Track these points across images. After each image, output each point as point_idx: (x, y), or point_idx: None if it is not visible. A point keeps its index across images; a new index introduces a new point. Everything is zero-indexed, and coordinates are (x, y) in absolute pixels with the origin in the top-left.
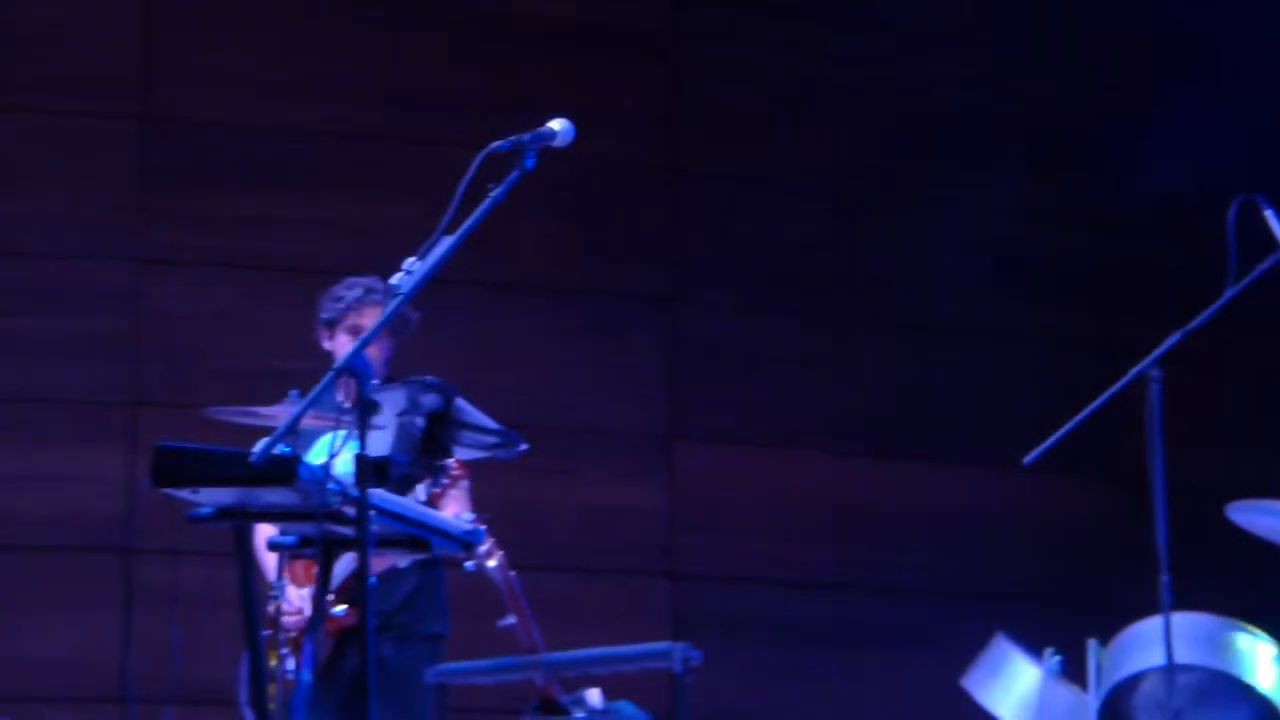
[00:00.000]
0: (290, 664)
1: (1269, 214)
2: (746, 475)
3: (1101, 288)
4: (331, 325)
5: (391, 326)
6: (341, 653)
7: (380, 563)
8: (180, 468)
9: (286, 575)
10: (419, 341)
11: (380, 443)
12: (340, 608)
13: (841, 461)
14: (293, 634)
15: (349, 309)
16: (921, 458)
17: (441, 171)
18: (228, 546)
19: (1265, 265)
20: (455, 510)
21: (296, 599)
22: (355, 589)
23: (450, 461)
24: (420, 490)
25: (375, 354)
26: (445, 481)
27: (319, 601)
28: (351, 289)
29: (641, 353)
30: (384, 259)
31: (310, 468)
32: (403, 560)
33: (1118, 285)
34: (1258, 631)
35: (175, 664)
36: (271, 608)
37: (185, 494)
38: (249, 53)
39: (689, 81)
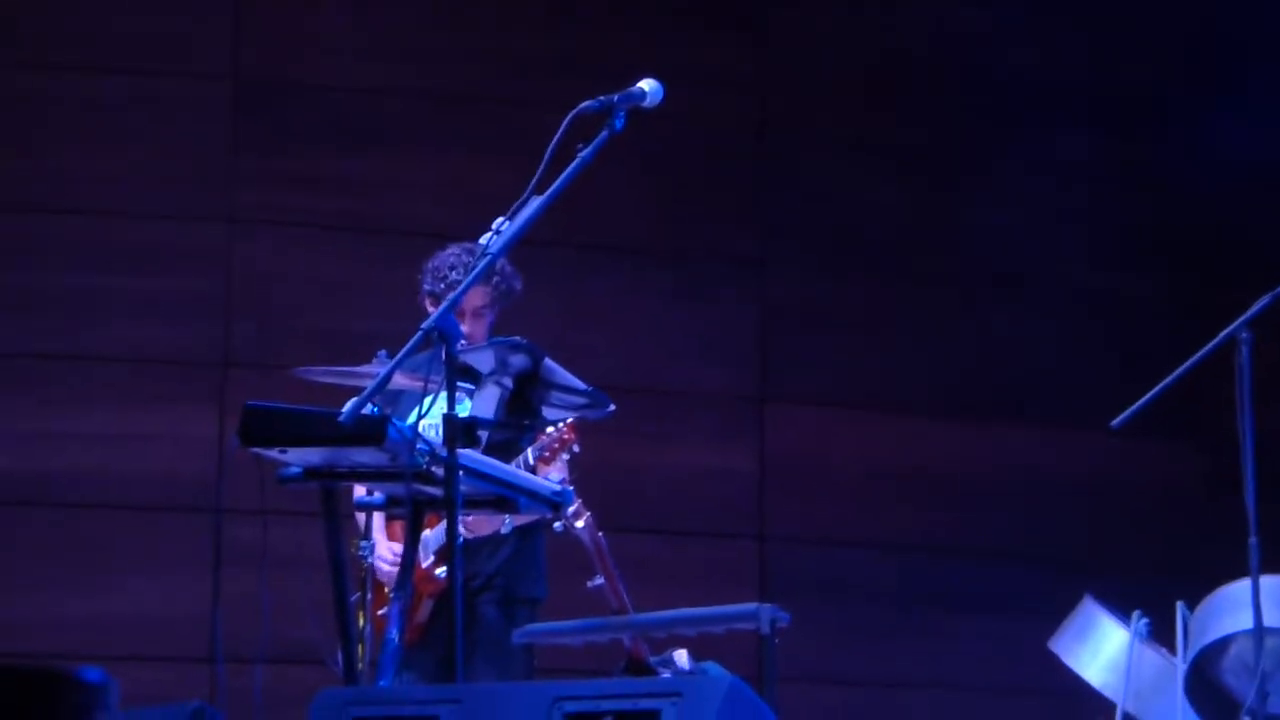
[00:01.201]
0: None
1: None
2: (835, 438)
3: (1189, 251)
4: (436, 298)
5: (496, 296)
6: (441, 613)
7: (484, 526)
8: (269, 427)
9: (382, 534)
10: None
11: (484, 405)
12: (441, 570)
13: (930, 425)
14: (387, 589)
15: (453, 286)
16: (1009, 420)
17: (532, 132)
18: (317, 506)
19: None
20: (555, 475)
21: (389, 554)
22: None
23: (561, 425)
24: (530, 453)
25: (479, 325)
26: (557, 445)
27: (407, 562)
28: (455, 269)
29: (731, 316)
30: (473, 220)
31: (399, 427)
32: (505, 526)
33: (1205, 248)
34: None
35: (264, 624)
36: (361, 568)
37: (274, 454)
38: (340, 13)
39: (779, 45)
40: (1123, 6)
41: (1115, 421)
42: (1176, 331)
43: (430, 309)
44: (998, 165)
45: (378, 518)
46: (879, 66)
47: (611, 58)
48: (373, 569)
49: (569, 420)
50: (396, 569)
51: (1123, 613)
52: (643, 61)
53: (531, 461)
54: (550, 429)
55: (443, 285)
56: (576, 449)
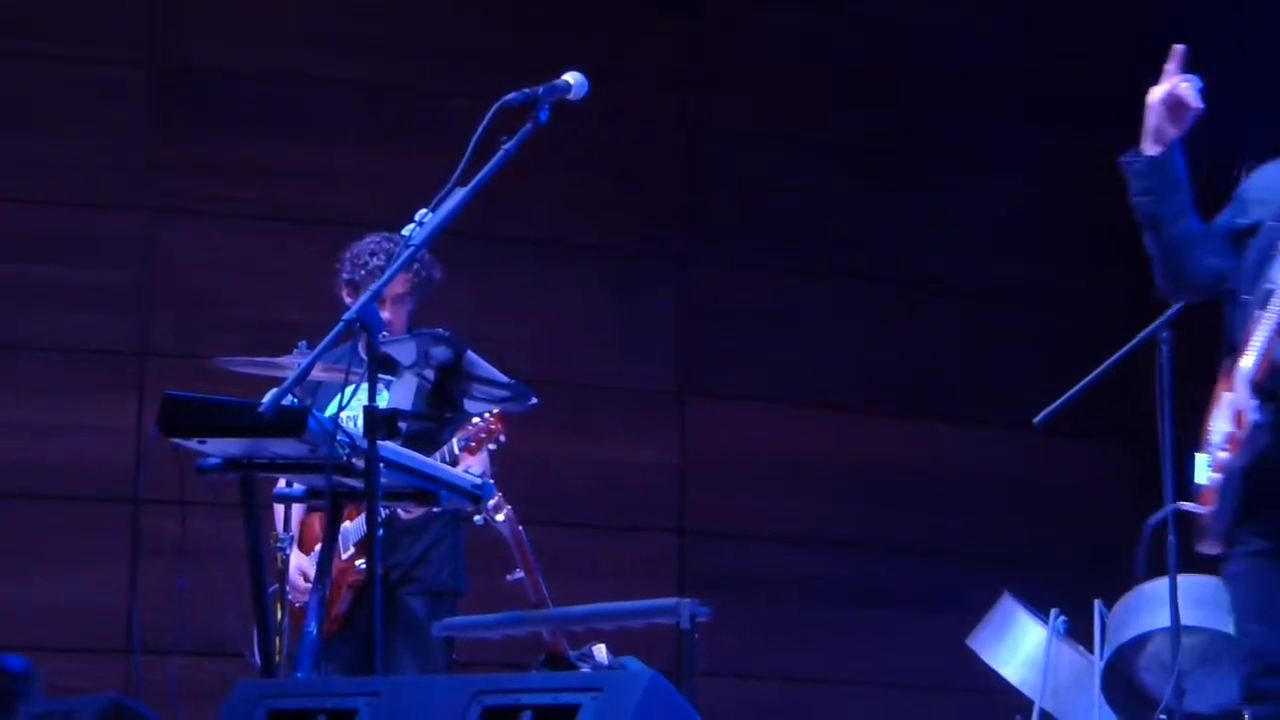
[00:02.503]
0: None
1: None
2: (757, 433)
3: (1122, 249)
4: (355, 286)
5: (416, 285)
6: (361, 605)
7: (414, 508)
8: (188, 418)
9: (296, 550)
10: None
11: (401, 396)
12: (361, 561)
13: (852, 421)
14: (297, 604)
15: (373, 274)
16: (932, 418)
17: (456, 124)
18: (237, 498)
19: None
20: (477, 467)
21: (301, 579)
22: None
23: (487, 415)
24: (454, 444)
25: (399, 313)
26: (483, 435)
27: (326, 554)
28: (375, 255)
29: (654, 310)
30: (396, 210)
31: (319, 419)
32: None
33: (1138, 246)
34: None
35: (182, 616)
36: (279, 559)
37: (193, 444)
38: (263, 1)
39: (710, 38)
40: (1059, 3)
41: (1038, 418)
42: (1108, 330)
43: (348, 298)
44: (929, 162)
45: (296, 510)
46: (811, 62)
47: (540, 51)
48: (288, 561)
49: (495, 411)
50: (306, 591)
51: (1041, 610)
52: (572, 54)
53: (456, 452)
54: (476, 419)
55: (362, 273)
56: (503, 439)
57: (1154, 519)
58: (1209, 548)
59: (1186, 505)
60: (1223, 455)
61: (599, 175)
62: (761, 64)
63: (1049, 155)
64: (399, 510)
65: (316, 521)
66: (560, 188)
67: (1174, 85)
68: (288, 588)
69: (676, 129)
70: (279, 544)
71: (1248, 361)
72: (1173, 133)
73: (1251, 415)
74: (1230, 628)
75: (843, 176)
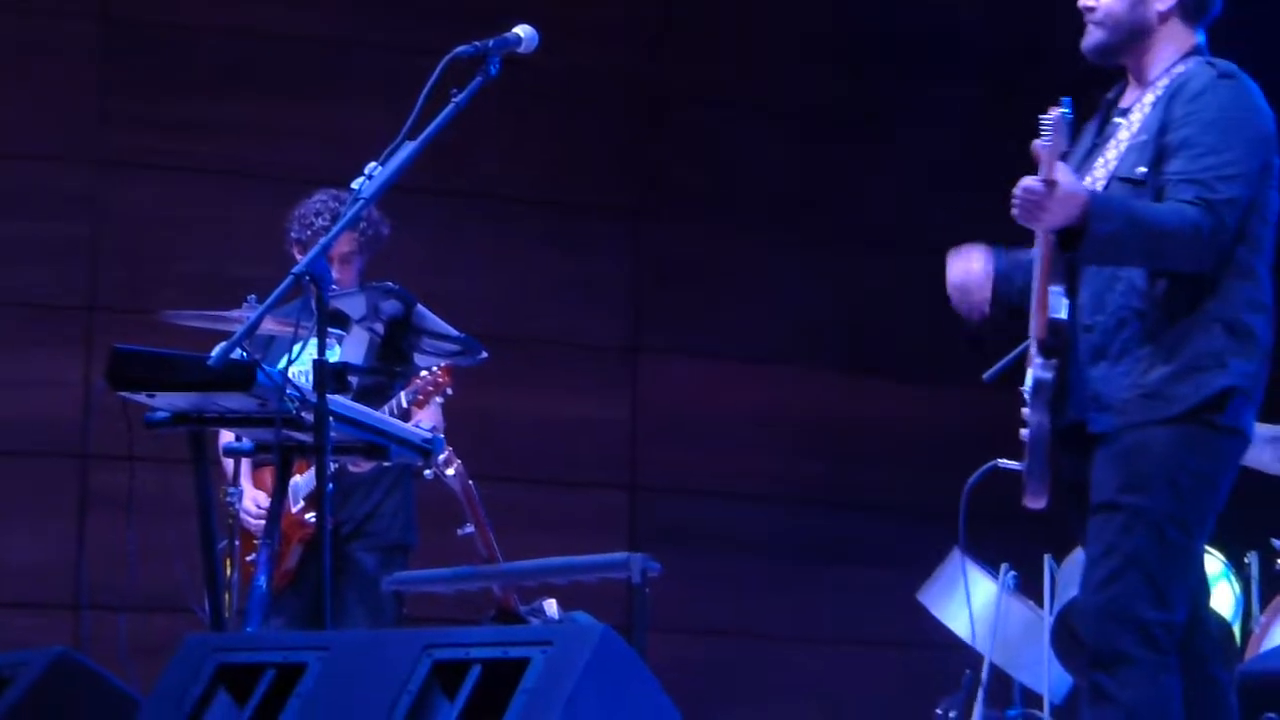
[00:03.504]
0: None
1: None
2: (709, 389)
3: None
4: (304, 245)
5: (364, 241)
6: (311, 559)
7: (363, 463)
8: (137, 371)
9: (248, 482)
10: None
11: (352, 350)
12: (311, 515)
13: (804, 377)
14: (255, 537)
15: (320, 233)
16: (884, 374)
17: (406, 77)
18: (186, 452)
19: None
20: (429, 421)
21: (253, 505)
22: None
23: (435, 369)
24: (403, 397)
25: (348, 270)
26: (431, 388)
27: (275, 508)
28: (321, 215)
29: (606, 265)
30: (348, 165)
31: (268, 373)
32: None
33: None
34: (1210, 548)
35: (131, 570)
36: (230, 514)
37: (142, 398)
38: None
39: None
40: None
41: (987, 374)
42: None
43: (298, 256)
44: (881, 120)
45: (245, 465)
46: (765, 19)
47: (490, 3)
48: (240, 516)
49: (443, 365)
50: (261, 520)
51: (991, 566)
52: (523, 7)
53: (405, 405)
54: (424, 372)
55: (309, 232)
56: (450, 391)
57: (973, 478)
58: (1032, 503)
59: (1005, 462)
60: (1026, 411)
61: (551, 130)
62: (714, 21)
63: (998, 115)
64: (349, 465)
65: (267, 475)
66: (512, 143)
67: (958, 275)
68: (242, 514)
69: (629, 85)
70: (228, 498)
71: (1033, 317)
72: (980, 307)
73: (1039, 373)
74: None
75: (795, 134)
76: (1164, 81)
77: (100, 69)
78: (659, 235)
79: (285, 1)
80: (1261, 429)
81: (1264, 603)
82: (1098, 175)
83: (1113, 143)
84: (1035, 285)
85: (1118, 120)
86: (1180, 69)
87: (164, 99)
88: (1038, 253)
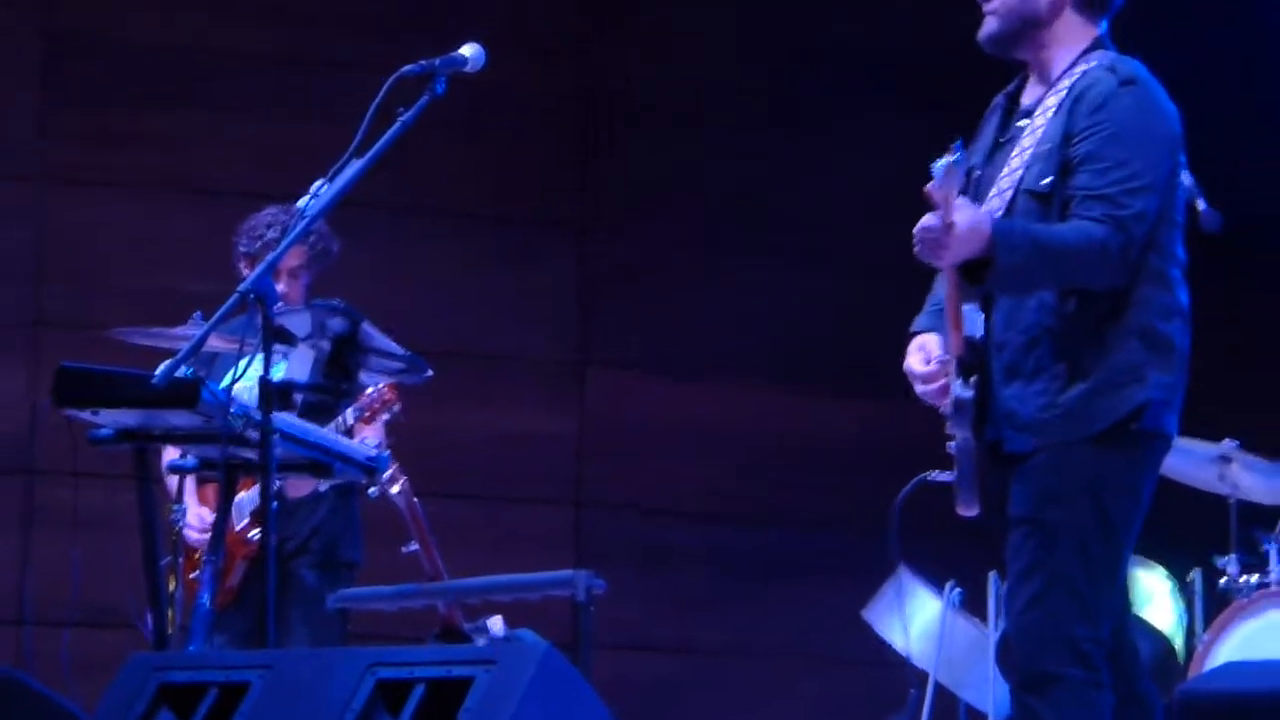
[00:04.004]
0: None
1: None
2: (656, 404)
3: None
4: (252, 259)
5: (313, 257)
6: (255, 577)
7: (301, 487)
8: (82, 388)
9: (193, 498)
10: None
11: (298, 368)
12: (255, 532)
13: (750, 392)
14: (199, 554)
15: (269, 246)
16: (830, 388)
17: (353, 94)
18: (130, 469)
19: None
20: (374, 438)
21: (197, 521)
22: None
23: (381, 386)
24: (349, 414)
25: (295, 285)
26: (378, 405)
27: (220, 525)
28: (272, 227)
29: (553, 279)
30: (293, 181)
31: (213, 390)
32: (322, 485)
33: None
34: (1154, 564)
35: (75, 587)
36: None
37: (86, 415)
38: None
39: (608, 11)
40: None
41: None
42: None
43: (245, 271)
44: (826, 135)
45: (189, 482)
46: (706, 33)
47: (437, 20)
48: (184, 532)
49: (390, 382)
50: (206, 535)
51: (936, 582)
52: (470, 23)
53: (351, 423)
54: (370, 390)
55: (258, 245)
56: (397, 409)
57: (903, 493)
58: (964, 511)
59: (935, 475)
60: (950, 422)
61: (497, 145)
62: (657, 34)
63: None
64: (287, 492)
65: (211, 492)
66: (458, 157)
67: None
68: (186, 530)
69: (574, 98)
70: (173, 515)
71: (948, 336)
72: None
73: (959, 392)
74: None
75: (739, 147)
76: (1066, 82)
77: (43, 84)
78: (606, 249)
79: (230, 17)
80: (1203, 447)
81: (1207, 621)
82: (1004, 186)
83: (1017, 149)
84: (946, 305)
85: (1021, 123)
86: (1081, 68)
87: (107, 114)
88: (945, 273)
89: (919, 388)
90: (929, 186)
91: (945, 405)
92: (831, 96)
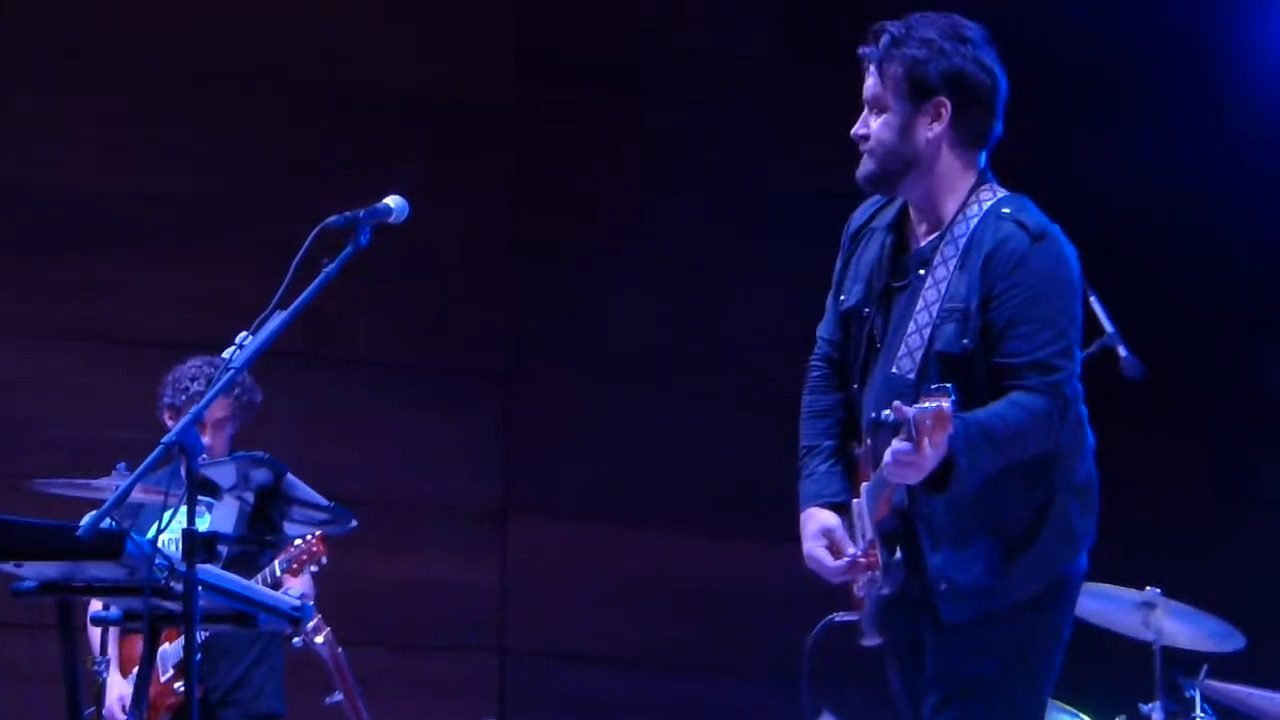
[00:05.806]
0: None
1: None
2: (580, 552)
3: None
4: (177, 411)
5: (237, 409)
6: None
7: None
8: (4, 540)
9: (116, 652)
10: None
11: (222, 519)
12: (180, 684)
13: (675, 539)
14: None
15: (194, 399)
16: (754, 537)
17: (276, 243)
18: (54, 619)
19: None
20: (299, 588)
21: (117, 701)
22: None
23: (310, 538)
24: (276, 566)
25: (220, 437)
26: (305, 557)
27: (144, 677)
28: (196, 380)
29: (476, 428)
30: (215, 330)
31: (137, 542)
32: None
33: None
34: (1078, 713)
35: None
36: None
37: (9, 567)
38: (88, 120)
39: (531, 157)
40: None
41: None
42: None
43: (170, 421)
44: (743, 277)
45: (113, 633)
46: (634, 177)
47: (361, 168)
48: (106, 685)
49: (317, 533)
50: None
51: None
52: (395, 173)
53: (279, 574)
54: (298, 541)
55: (183, 398)
56: (324, 561)
57: (812, 636)
58: (868, 642)
59: (841, 615)
60: (862, 564)
61: (421, 295)
62: (578, 182)
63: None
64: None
65: (136, 643)
66: (382, 307)
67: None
68: (104, 715)
69: (498, 248)
70: (96, 666)
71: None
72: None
73: (883, 555)
74: None
75: (662, 292)
76: (962, 229)
77: None
78: (529, 395)
79: (157, 164)
80: (1128, 594)
81: None
82: (913, 345)
83: (920, 303)
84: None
85: (920, 271)
86: (974, 211)
87: (27, 260)
88: (860, 451)
89: (831, 578)
90: (913, 411)
91: (861, 588)
92: (762, 239)
